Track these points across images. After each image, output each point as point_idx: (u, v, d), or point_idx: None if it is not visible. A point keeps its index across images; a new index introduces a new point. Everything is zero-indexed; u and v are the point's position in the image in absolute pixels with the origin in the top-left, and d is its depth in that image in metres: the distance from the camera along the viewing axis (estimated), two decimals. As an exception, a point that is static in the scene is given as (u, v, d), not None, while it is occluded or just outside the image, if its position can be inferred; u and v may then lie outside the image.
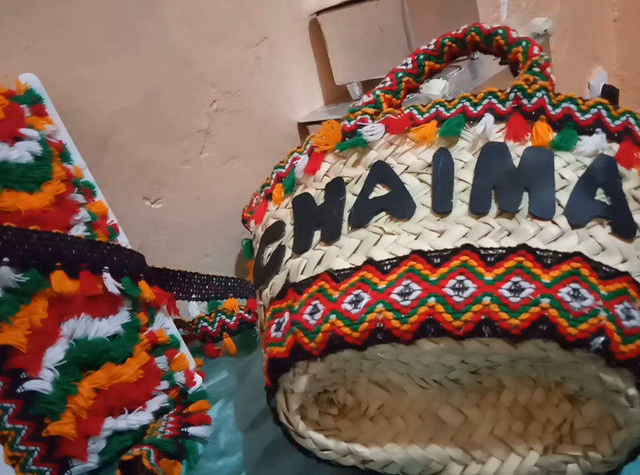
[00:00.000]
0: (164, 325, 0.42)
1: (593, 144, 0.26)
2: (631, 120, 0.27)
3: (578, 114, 0.27)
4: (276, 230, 0.32)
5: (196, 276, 0.49)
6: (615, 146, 0.27)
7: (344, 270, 0.26)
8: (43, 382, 0.34)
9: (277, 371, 0.27)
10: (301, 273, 0.28)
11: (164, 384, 0.40)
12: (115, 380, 0.37)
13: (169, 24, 0.56)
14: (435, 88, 0.59)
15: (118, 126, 0.52)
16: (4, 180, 0.36)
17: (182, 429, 0.38)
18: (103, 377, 0.37)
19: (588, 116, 0.27)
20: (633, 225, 0.25)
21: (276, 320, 0.27)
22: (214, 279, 0.50)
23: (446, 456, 0.28)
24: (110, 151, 0.52)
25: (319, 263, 0.28)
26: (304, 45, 0.70)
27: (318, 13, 0.68)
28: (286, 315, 0.27)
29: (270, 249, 0.31)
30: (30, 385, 0.34)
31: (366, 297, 0.24)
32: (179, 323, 0.48)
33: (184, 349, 0.44)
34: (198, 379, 0.43)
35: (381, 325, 0.24)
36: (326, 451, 0.28)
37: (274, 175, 0.35)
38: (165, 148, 0.56)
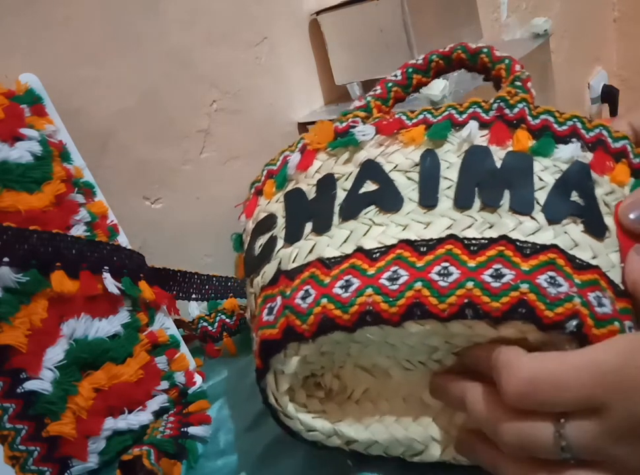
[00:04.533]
0: (164, 325, 0.42)
1: (569, 151, 0.28)
2: (604, 132, 0.29)
3: (555, 125, 0.29)
4: (267, 223, 0.33)
5: (196, 276, 0.49)
6: (589, 155, 0.28)
7: (334, 257, 0.28)
8: (43, 382, 0.34)
9: (269, 353, 0.28)
10: (293, 261, 0.29)
11: (164, 384, 0.40)
12: (115, 381, 0.37)
13: (169, 24, 0.56)
14: (435, 88, 0.59)
15: (118, 126, 0.52)
16: (4, 180, 0.36)
17: (182, 429, 0.38)
18: (103, 377, 0.37)
19: (564, 127, 0.29)
20: (604, 226, 0.26)
21: (268, 305, 0.28)
22: (214, 279, 0.50)
23: (427, 436, 0.29)
24: (110, 151, 0.52)
25: (310, 252, 0.29)
26: (304, 45, 0.70)
27: (318, 13, 0.68)
28: (278, 300, 0.28)
29: (262, 240, 0.32)
30: (29, 385, 0.34)
31: (356, 282, 0.26)
32: (179, 323, 0.48)
33: (184, 349, 0.44)
34: (198, 378, 0.43)
35: (370, 308, 0.25)
36: (312, 432, 0.30)
37: (264, 172, 0.36)
38: (165, 148, 0.56)
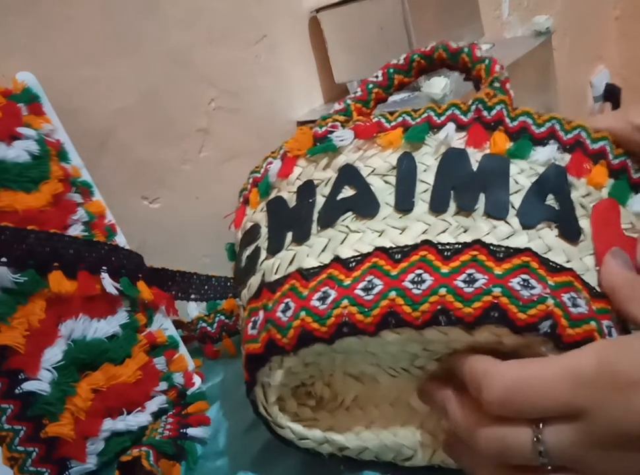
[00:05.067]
0: (163, 326, 0.42)
1: (546, 154, 0.28)
2: (583, 134, 0.29)
3: (533, 127, 0.29)
4: (252, 233, 0.33)
5: (195, 276, 0.49)
6: (567, 157, 0.28)
7: (312, 268, 0.28)
8: (41, 383, 0.34)
9: (254, 366, 0.29)
10: (275, 273, 0.30)
11: (163, 385, 0.40)
12: (113, 381, 0.37)
13: (169, 23, 0.56)
14: (437, 86, 0.59)
15: (116, 125, 0.52)
16: (1, 179, 0.36)
17: (181, 430, 0.38)
18: (102, 378, 0.37)
19: (542, 129, 0.29)
20: (578, 230, 0.27)
21: (252, 319, 0.29)
22: (213, 279, 0.50)
23: (416, 441, 0.29)
24: (108, 150, 0.52)
25: (290, 263, 0.29)
26: (304, 44, 0.70)
27: (318, 11, 0.68)
28: (261, 313, 0.29)
29: (248, 251, 0.33)
30: (28, 386, 0.34)
31: (333, 294, 0.26)
32: (177, 324, 0.48)
33: (183, 350, 0.44)
34: (197, 379, 0.43)
35: (347, 319, 0.25)
36: (304, 440, 0.30)
37: (250, 180, 0.37)
38: (164, 147, 0.56)
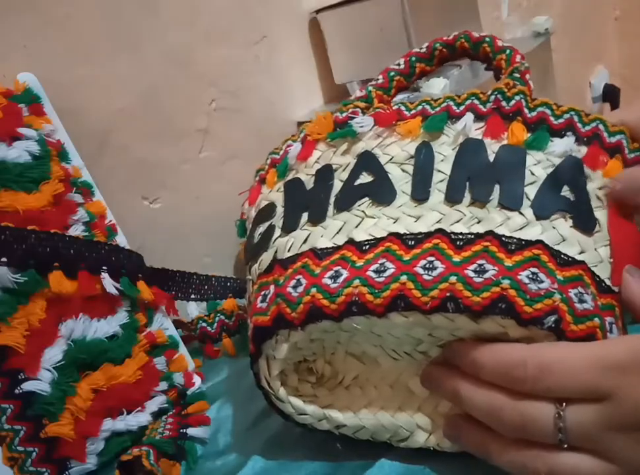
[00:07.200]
0: (163, 326, 0.42)
1: (563, 145, 0.28)
2: (601, 126, 0.29)
3: (552, 118, 0.29)
4: (267, 211, 0.34)
5: (195, 276, 0.49)
6: (584, 149, 0.29)
7: (326, 248, 0.29)
8: (41, 383, 0.34)
9: (261, 338, 0.29)
10: (288, 251, 0.30)
11: (163, 385, 0.40)
12: (113, 381, 0.37)
13: (169, 22, 0.56)
14: (436, 86, 0.59)
15: (116, 125, 0.52)
16: (2, 180, 0.36)
17: (181, 430, 0.38)
18: (102, 378, 0.37)
19: (561, 120, 0.29)
20: (593, 221, 0.27)
21: (262, 293, 0.30)
22: (213, 279, 0.50)
23: (413, 423, 0.30)
24: (108, 150, 0.52)
25: (304, 242, 0.30)
26: (304, 44, 0.70)
27: (318, 12, 0.68)
28: (272, 288, 0.29)
29: (261, 228, 0.33)
30: (28, 386, 0.34)
31: (345, 273, 0.27)
32: (177, 324, 0.48)
33: (183, 350, 0.44)
34: (197, 379, 0.43)
35: (356, 299, 0.26)
36: (303, 415, 0.30)
37: (268, 161, 0.37)
38: (164, 147, 0.56)
